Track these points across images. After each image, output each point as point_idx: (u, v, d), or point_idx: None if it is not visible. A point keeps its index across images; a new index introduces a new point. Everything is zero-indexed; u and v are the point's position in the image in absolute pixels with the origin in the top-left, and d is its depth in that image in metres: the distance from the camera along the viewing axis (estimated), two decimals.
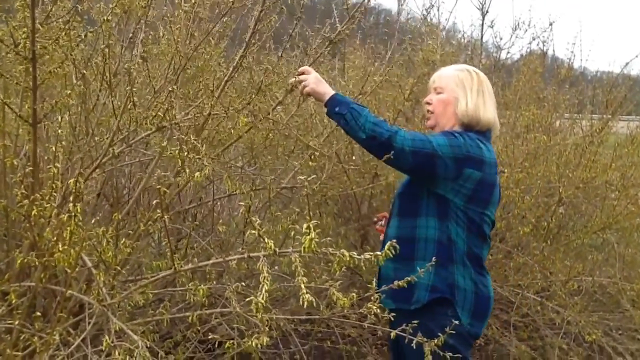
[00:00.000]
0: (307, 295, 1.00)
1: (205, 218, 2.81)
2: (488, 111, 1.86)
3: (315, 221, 1.02)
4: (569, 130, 4.18)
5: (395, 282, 1.55)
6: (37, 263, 1.43)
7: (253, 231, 1.09)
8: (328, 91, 1.81)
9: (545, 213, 3.34)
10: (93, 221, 1.88)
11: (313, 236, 1.01)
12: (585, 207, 3.71)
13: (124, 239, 1.56)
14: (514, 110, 3.70)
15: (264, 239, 1.09)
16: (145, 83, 2.20)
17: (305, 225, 1.01)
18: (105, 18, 1.77)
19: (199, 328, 2.02)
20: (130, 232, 1.72)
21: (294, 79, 1.86)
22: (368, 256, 1.10)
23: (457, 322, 1.64)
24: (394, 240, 1.20)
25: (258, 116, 1.93)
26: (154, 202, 1.51)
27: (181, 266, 1.48)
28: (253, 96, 1.89)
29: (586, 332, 2.95)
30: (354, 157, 3.03)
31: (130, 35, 2.11)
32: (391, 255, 1.15)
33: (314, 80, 1.82)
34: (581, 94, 4.51)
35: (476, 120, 1.84)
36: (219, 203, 2.89)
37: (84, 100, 2.01)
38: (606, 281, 3.40)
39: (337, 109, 1.76)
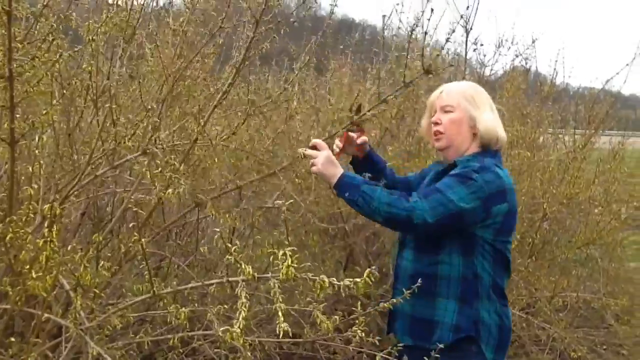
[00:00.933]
0: (284, 325, 0.98)
1: (190, 236, 2.78)
2: (501, 128, 1.77)
3: (292, 248, 1.01)
4: (553, 146, 4.22)
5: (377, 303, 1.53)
6: (10, 290, 1.39)
7: (229, 257, 1.08)
8: (336, 173, 1.68)
9: (529, 229, 3.36)
10: (74, 242, 1.85)
11: (290, 263, 1.00)
12: (570, 223, 3.75)
13: (103, 262, 1.53)
14: None
15: (241, 265, 1.08)
16: (133, 100, 2.18)
17: (281, 253, 1.00)
18: (91, 38, 1.76)
19: (182, 350, 1.99)
20: (109, 254, 1.69)
21: (303, 150, 1.77)
22: (348, 282, 1.09)
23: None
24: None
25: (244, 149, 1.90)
26: (131, 225, 1.49)
27: (161, 289, 1.46)
28: (239, 124, 1.87)
29: (571, 349, 2.96)
30: None
31: (120, 54, 2.10)
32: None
33: (323, 161, 1.70)
34: (564, 110, 4.56)
35: (495, 138, 1.74)
36: (203, 221, 2.87)
37: (68, 118, 1.98)
38: (590, 297, 3.43)
39: (347, 195, 1.65)
